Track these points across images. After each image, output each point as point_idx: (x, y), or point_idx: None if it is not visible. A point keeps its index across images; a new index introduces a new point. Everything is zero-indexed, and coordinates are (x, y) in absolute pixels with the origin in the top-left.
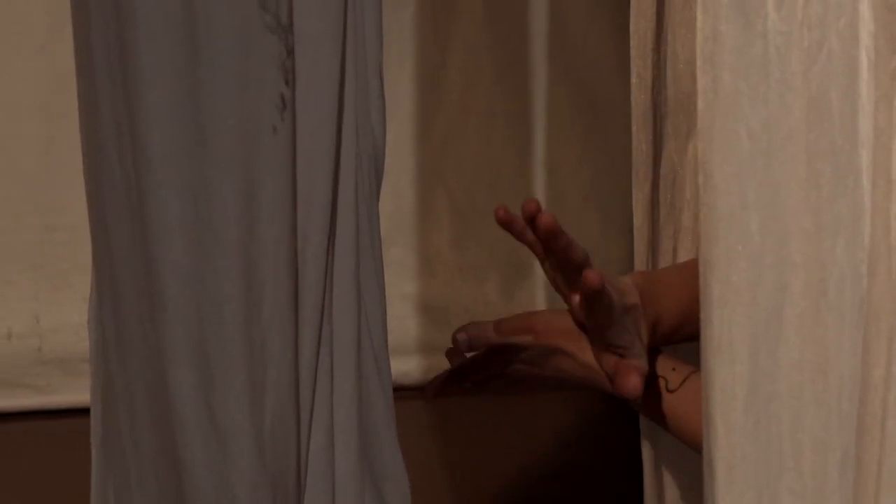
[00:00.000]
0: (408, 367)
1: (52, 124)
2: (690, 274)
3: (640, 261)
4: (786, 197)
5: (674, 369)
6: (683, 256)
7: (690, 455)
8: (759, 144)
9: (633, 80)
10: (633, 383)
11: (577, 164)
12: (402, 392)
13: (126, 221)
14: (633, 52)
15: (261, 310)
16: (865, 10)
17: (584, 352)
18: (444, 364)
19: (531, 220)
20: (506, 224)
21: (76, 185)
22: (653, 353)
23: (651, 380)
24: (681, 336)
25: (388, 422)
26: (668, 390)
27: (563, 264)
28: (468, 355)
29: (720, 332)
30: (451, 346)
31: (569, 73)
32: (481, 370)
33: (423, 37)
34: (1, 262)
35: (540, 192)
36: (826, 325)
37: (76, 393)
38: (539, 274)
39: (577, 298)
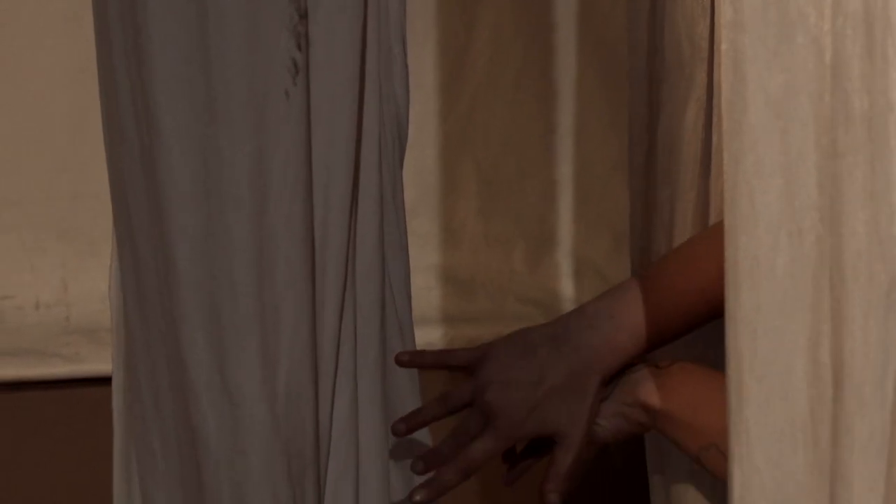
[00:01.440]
0: (432, 337)
1: (80, 94)
2: (689, 261)
3: (637, 223)
4: (805, 165)
5: (661, 360)
6: (679, 220)
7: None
8: (776, 110)
9: (629, 45)
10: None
11: (603, 134)
12: None
13: (142, 188)
14: (627, 17)
15: (274, 276)
16: None
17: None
18: (467, 334)
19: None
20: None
21: (103, 155)
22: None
23: (638, 368)
24: (687, 328)
25: (413, 389)
26: (657, 366)
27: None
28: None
29: (736, 300)
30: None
31: (596, 43)
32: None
33: (449, 7)
34: (29, 232)
35: (566, 163)
36: (843, 300)
37: (103, 362)
38: (565, 245)
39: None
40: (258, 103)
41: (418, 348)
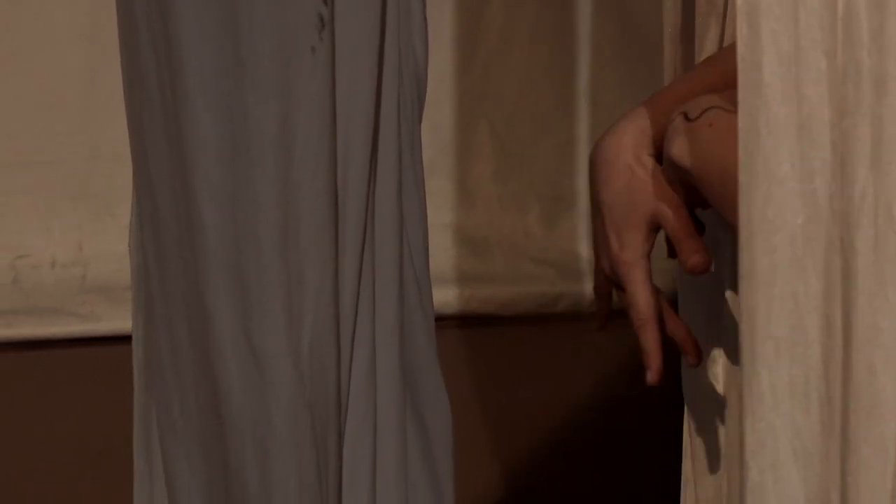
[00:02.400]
0: (447, 297)
1: (94, 56)
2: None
3: None
4: (818, 124)
5: (689, 107)
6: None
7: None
8: (789, 67)
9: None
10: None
11: (619, 96)
12: (443, 321)
13: (164, 146)
14: None
15: (298, 234)
16: None
17: None
18: (482, 294)
19: None
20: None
21: (118, 116)
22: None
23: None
24: None
25: (431, 348)
26: (687, 119)
27: None
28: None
29: (751, 262)
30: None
31: (613, 4)
32: None
33: None
34: (45, 192)
35: (582, 124)
36: (853, 257)
37: (120, 320)
38: (581, 205)
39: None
40: (285, 60)
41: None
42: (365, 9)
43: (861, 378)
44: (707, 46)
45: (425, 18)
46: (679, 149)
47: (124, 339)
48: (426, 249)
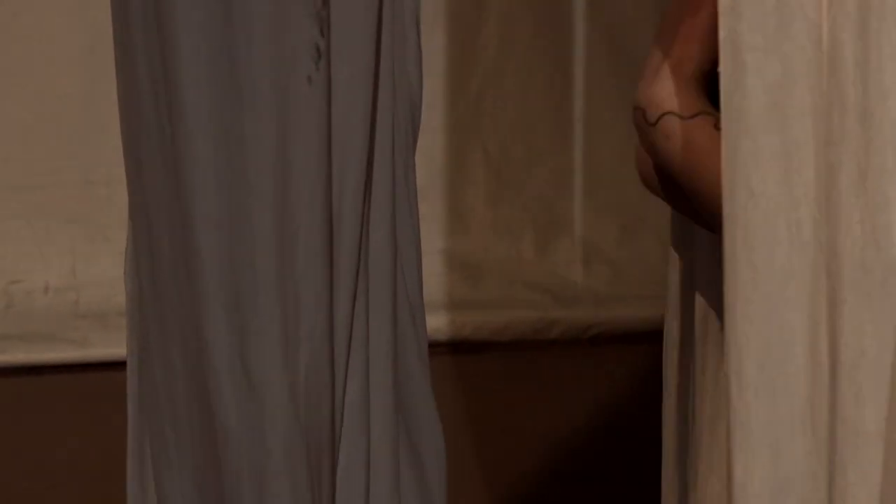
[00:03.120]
0: (440, 323)
1: (90, 80)
2: None
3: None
4: (804, 153)
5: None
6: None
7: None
8: (774, 97)
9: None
10: None
11: (612, 120)
12: (436, 348)
13: (161, 172)
14: None
15: (295, 261)
16: None
17: None
18: (476, 321)
19: None
20: None
21: (114, 140)
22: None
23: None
24: None
25: (424, 375)
26: (679, 116)
27: None
28: None
29: (735, 289)
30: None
31: (606, 30)
32: None
33: None
34: (39, 217)
35: (576, 149)
36: (840, 288)
37: (113, 346)
38: (573, 231)
39: None
40: (282, 89)
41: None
42: (361, 38)
43: (847, 404)
44: None
45: (420, 46)
46: (667, 153)
47: (118, 366)
48: (420, 276)
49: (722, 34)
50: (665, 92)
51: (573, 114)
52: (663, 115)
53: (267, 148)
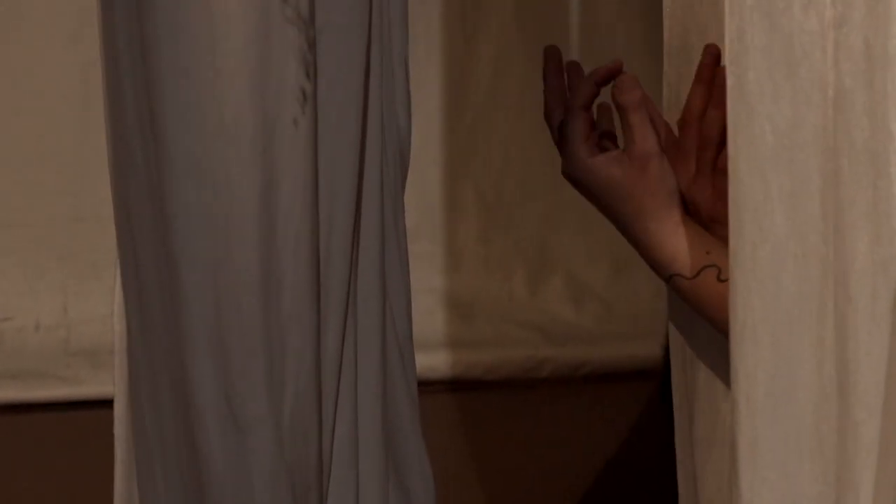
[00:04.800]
0: (433, 361)
1: (83, 117)
2: None
3: None
4: (809, 191)
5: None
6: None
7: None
8: (782, 140)
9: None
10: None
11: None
12: (428, 386)
13: (148, 213)
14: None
15: (280, 301)
16: (893, 6)
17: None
18: (468, 359)
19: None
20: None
21: (105, 178)
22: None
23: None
24: None
25: (413, 415)
26: (684, 276)
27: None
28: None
29: (744, 319)
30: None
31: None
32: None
33: (451, 31)
34: (30, 253)
35: (569, 187)
36: (847, 317)
37: (104, 384)
38: (565, 268)
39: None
40: (268, 132)
41: (419, 373)
42: (347, 81)
43: (855, 425)
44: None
45: (408, 87)
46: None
47: (108, 404)
48: (409, 315)
49: (730, 81)
50: (671, 250)
51: None
52: (671, 276)
53: (252, 189)
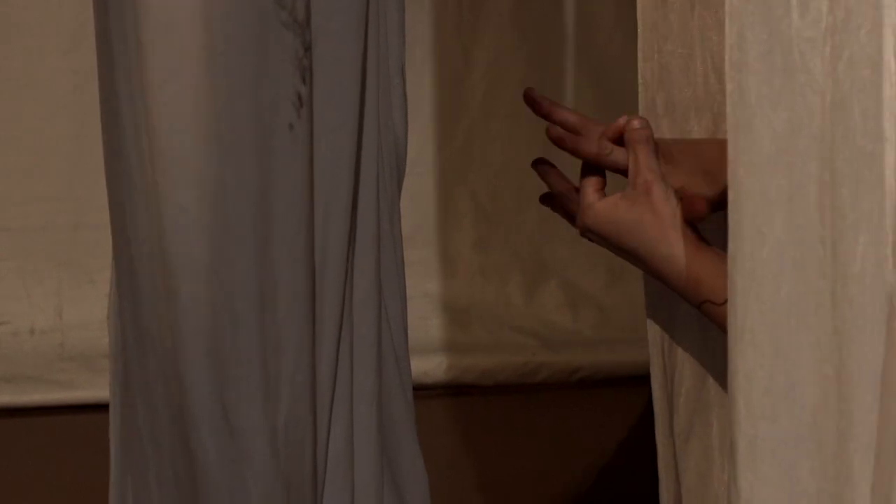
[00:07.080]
0: (429, 366)
1: (80, 123)
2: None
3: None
4: (807, 196)
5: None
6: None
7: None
8: (781, 145)
9: (640, 80)
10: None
11: None
12: (424, 391)
13: (144, 218)
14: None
15: (276, 307)
16: (889, 14)
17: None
18: (463, 364)
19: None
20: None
21: (102, 185)
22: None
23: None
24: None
25: (408, 420)
26: (714, 303)
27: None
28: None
29: (743, 320)
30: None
31: (593, 75)
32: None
33: (447, 38)
34: (26, 259)
35: None
36: (845, 318)
37: (99, 388)
38: (560, 275)
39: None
40: (264, 137)
41: (415, 378)
42: (344, 86)
43: (854, 424)
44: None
45: (405, 93)
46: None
47: (103, 408)
48: (405, 321)
49: (730, 87)
50: (694, 276)
51: (561, 158)
52: (702, 303)
53: (250, 195)
